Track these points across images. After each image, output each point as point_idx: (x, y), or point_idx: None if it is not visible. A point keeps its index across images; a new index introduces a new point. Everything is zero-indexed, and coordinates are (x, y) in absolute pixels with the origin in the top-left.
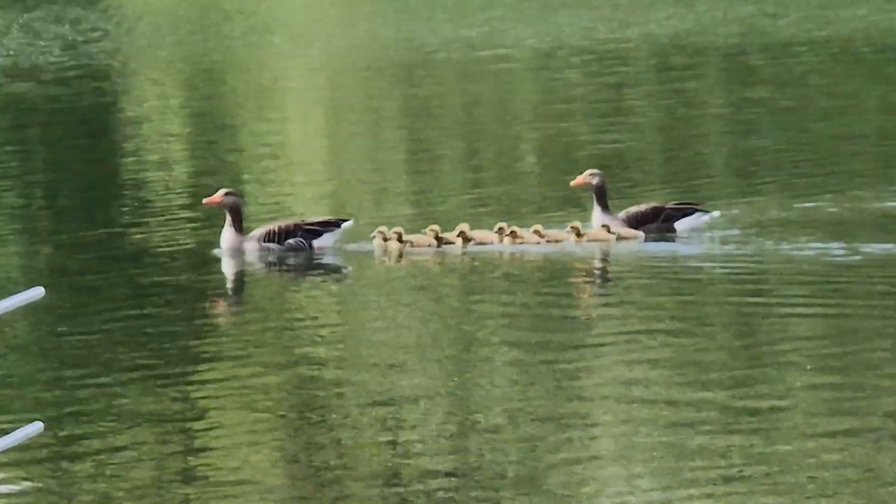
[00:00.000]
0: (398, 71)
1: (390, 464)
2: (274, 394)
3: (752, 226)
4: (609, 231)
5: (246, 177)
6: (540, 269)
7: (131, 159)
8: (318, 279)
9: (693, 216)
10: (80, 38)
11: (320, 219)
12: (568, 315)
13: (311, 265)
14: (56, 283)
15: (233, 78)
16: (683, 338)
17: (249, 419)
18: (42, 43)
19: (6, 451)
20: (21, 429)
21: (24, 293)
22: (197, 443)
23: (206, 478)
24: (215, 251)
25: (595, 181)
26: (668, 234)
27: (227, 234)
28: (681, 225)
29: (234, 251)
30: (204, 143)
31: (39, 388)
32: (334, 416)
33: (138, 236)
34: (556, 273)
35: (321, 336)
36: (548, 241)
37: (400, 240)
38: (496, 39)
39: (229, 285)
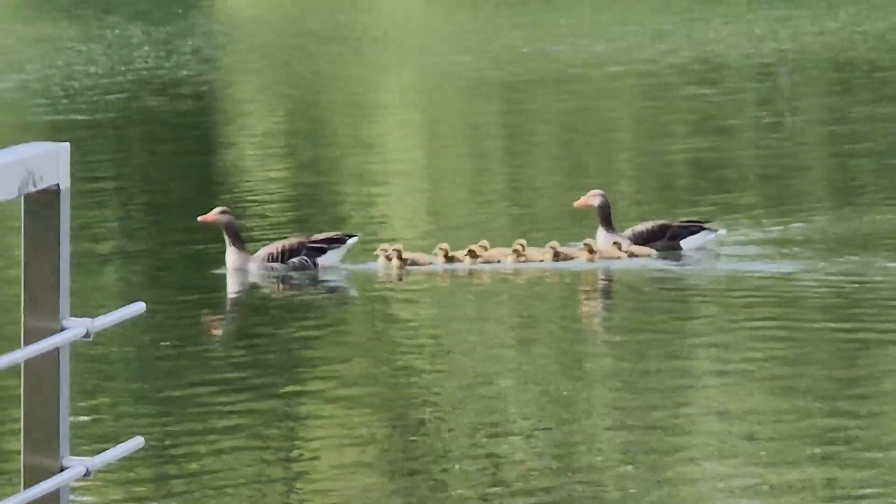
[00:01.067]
0: (526, 85)
1: (487, 475)
2: (371, 406)
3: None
4: (620, 248)
5: (350, 196)
6: (589, 284)
7: (232, 176)
8: (394, 292)
9: (700, 234)
10: (186, 52)
11: (325, 236)
12: (643, 330)
13: (391, 280)
14: (157, 298)
15: (344, 93)
16: (778, 362)
17: (346, 432)
18: (158, 55)
19: (106, 465)
20: (121, 444)
21: (125, 308)
22: (295, 465)
23: (303, 496)
24: (221, 270)
25: (597, 202)
26: (674, 252)
27: (230, 254)
28: (687, 243)
29: (238, 271)
30: (309, 160)
31: (139, 402)
32: (432, 428)
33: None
34: (602, 289)
35: (413, 347)
36: (560, 259)
37: (401, 258)
38: (632, 54)
39: (324, 298)
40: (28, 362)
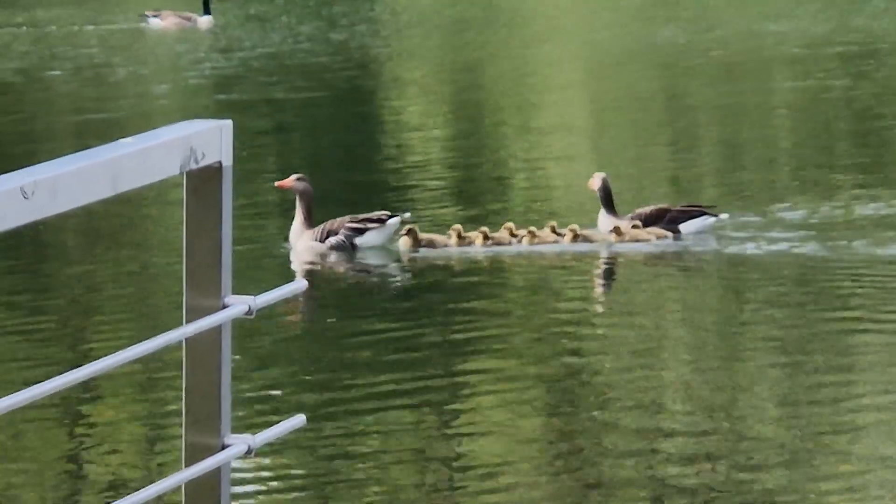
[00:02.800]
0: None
1: (650, 467)
2: (533, 391)
3: None
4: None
5: (506, 179)
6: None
7: (393, 161)
8: (551, 269)
9: (699, 219)
10: (347, 34)
11: (367, 216)
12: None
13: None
14: (319, 276)
15: (499, 77)
16: None
17: (508, 418)
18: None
19: (268, 443)
20: (283, 422)
21: (287, 285)
22: (455, 444)
23: (465, 482)
24: (284, 245)
25: (597, 184)
26: (675, 237)
27: (295, 226)
28: (686, 227)
29: (293, 245)
30: (469, 144)
31: (301, 380)
32: (592, 412)
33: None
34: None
35: (574, 327)
36: (583, 240)
37: (416, 239)
38: (796, 36)
39: (486, 280)
40: (189, 340)
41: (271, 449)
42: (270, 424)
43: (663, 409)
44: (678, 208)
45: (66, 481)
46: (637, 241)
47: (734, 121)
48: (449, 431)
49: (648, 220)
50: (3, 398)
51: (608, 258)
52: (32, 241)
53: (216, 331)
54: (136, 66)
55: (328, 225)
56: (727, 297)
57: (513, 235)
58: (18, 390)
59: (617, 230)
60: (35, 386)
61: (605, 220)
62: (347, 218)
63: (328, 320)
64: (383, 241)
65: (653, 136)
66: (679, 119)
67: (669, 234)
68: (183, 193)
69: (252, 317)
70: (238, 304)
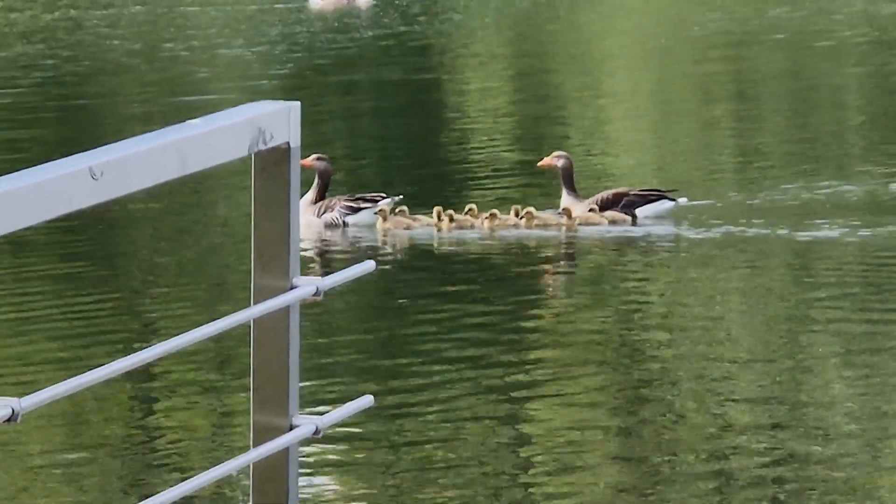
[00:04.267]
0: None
1: (717, 459)
2: (598, 376)
3: None
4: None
5: (570, 148)
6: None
7: (456, 139)
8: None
9: (657, 203)
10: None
11: (362, 195)
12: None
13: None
14: (384, 257)
15: (560, 49)
16: None
17: (574, 403)
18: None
19: (336, 424)
20: (351, 402)
21: (355, 266)
22: (522, 426)
23: (530, 460)
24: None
25: (560, 163)
26: (631, 221)
27: (302, 203)
28: (642, 211)
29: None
30: (531, 116)
31: (369, 361)
32: (661, 396)
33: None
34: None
35: (641, 313)
36: (537, 225)
37: (384, 219)
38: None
39: (550, 257)
40: (258, 321)
41: (339, 431)
42: (338, 405)
43: (729, 396)
44: (636, 192)
45: (135, 462)
46: (589, 224)
47: (856, 99)
48: (517, 417)
49: (606, 204)
50: (72, 379)
51: (670, 244)
52: (101, 221)
53: (284, 312)
54: (256, 45)
55: (329, 202)
56: (784, 281)
57: (474, 218)
58: (86, 371)
59: (567, 213)
60: (103, 367)
61: (567, 201)
62: (346, 196)
63: (399, 301)
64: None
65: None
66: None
67: (628, 218)
68: (251, 175)
69: (320, 298)
70: (306, 286)
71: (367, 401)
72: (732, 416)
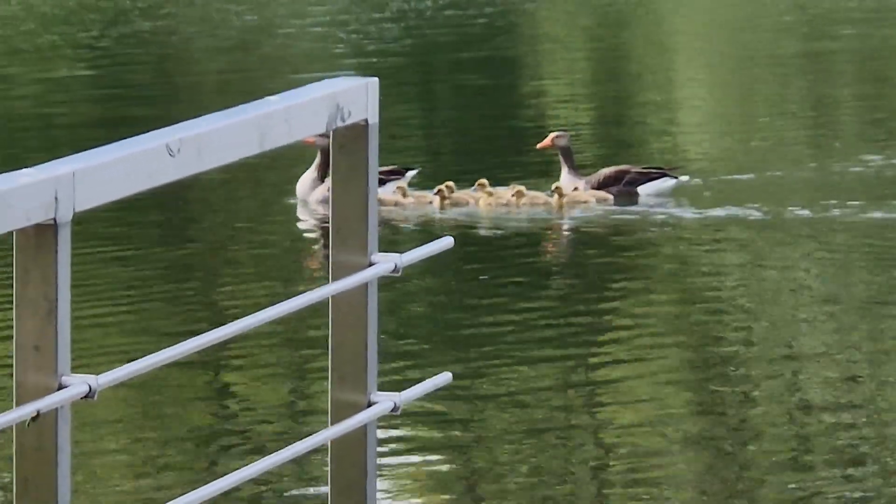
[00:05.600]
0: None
1: (796, 444)
2: (675, 360)
3: None
4: (581, 191)
5: (643, 128)
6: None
7: (531, 122)
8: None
9: (659, 181)
10: None
11: (388, 168)
12: None
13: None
14: (464, 233)
15: (636, 29)
16: None
17: (653, 385)
18: None
19: (414, 401)
20: (429, 379)
21: (434, 243)
22: (599, 411)
23: (608, 446)
24: (292, 200)
25: (561, 142)
26: (632, 199)
27: (305, 179)
28: (644, 189)
29: (300, 201)
30: (610, 95)
31: (447, 337)
32: (738, 376)
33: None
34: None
35: (718, 293)
36: (524, 204)
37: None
38: None
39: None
40: (336, 297)
41: (417, 407)
42: (416, 382)
43: (807, 379)
44: (638, 170)
45: (212, 441)
46: (575, 203)
47: None
48: (594, 398)
49: (608, 182)
50: (148, 357)
51: (740, 222)
52: (177, 198)
53: (362, 288)
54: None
55: None
56: (864, 261)
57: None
58: (162, 349)
59: (559, 191)
60: (179, 345)
61: (567, 180)
62: None
63: (480, 277)
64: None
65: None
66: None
67: (610, 196)
68: (330, 151)
69: (398, 274)
70: (384, 262)
71: (445, 378)
72: (810, 399)
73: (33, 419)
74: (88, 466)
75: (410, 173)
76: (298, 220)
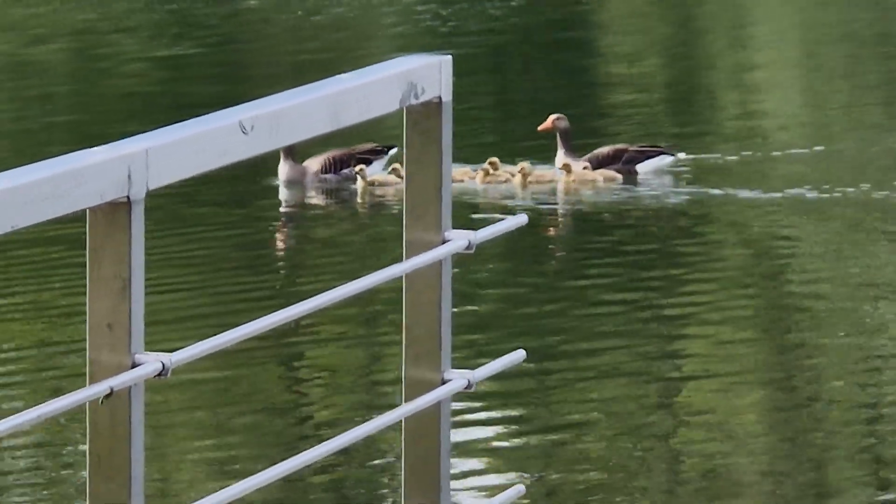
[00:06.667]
0: None
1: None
2: (756, 339)
3: None
4: (592, 171)
5: (713, 110)
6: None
7: (604, 94)
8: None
9: (656, 158)
10: None
11: (369, 146)
12: None
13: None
14: (537, 210)
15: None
16: None
17: (729, 366)
18: None
19: (488, 378)
20: (503, 357)
21: (507, 220)
22: (675, 390)
23: (682, 427)
24: (273, 182)
25: (561, 124)
26: (631, 177)
27: (284, 167)
28: (643, 167)
29: (291, 183)
30: (679, 75)
31: (521, 315)
32: (816, 360)
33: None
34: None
35: (794, 265)
36: (530, 182)
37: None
38: None
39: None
40: (410, 275)
41: (491, 385)
42: (489, 360)
43: (885, 369)
44: (635, 148)
45: (285, 419)
46: (584, 181)
47: None
48: (669, 376)
49: (605, 161)
50: (221, 335)
51: (807, 199)
52: (249, 173)
53: (436, 266)
54: None
55: (332, 157)
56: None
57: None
58: (235, 327)
59: (567, 168)
60: (252, 322)
61: (563, 160)
62: (348, 149)
63: (558, 254)
64: (382, 170)
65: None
66: None
67: (619, 176)
68: (403, 129)
69: (472, 252)
70: (458, 239)
71: (519, 356)
72: (890, 386)
73: (107, 397)
74: (162, 444)
75: (392, 151)
76: (369, 197)
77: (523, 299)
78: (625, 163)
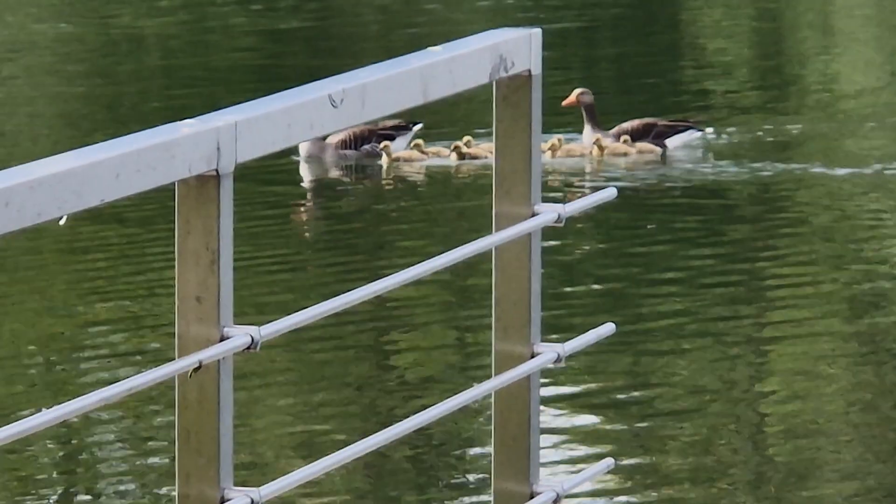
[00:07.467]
0: None
1: None
2: (842, 328)
3: None
4: (629, 144)
5: (799, 102)
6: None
7: (692, 83)
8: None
9: (685, 133)
10: None
11: (392, 123)
12: None
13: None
14: (627, 187)
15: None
16: None
17: (818, 345)
18: None
19: (578, 352)
20: (592, 330)
21: (597, 193)
22: (768, 362)
23: (772, 411)
24: (293, 157)
25: (586, 98)
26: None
27: (304, 143)
28: (672, 142)
29: (312, 158)
30: (768, 67)
31: (611, 288)
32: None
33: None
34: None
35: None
36: (559, 156)
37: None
38: None
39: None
40: (499, 248)
41: (580, 359)
42: (579, 333)
43: None
44: (665, 122)
45: (374, 392)
46: (617, 154)
47: None
48: (759, 353)
49: (635, 135)
50: (309, 309)
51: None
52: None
53: (526, 239)
54: None
55: (353, 133)
56: None
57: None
58: (323, 301)
59: (598, 143)
60: (340, 296)
61: (589, 135)
62: (371, 126)
63: (648, 226)
64: (406, 146)
65: None
66: None
67: (658, 149)
68: (493, 101)
69: (562, 225)
70: (548, 212)
71: (608, 329)
72: None
73: (195, 370)
74: (251, 417)
75: (416, 127)
76: (457, 172)
77: (613, 272)
78: (654, 137)
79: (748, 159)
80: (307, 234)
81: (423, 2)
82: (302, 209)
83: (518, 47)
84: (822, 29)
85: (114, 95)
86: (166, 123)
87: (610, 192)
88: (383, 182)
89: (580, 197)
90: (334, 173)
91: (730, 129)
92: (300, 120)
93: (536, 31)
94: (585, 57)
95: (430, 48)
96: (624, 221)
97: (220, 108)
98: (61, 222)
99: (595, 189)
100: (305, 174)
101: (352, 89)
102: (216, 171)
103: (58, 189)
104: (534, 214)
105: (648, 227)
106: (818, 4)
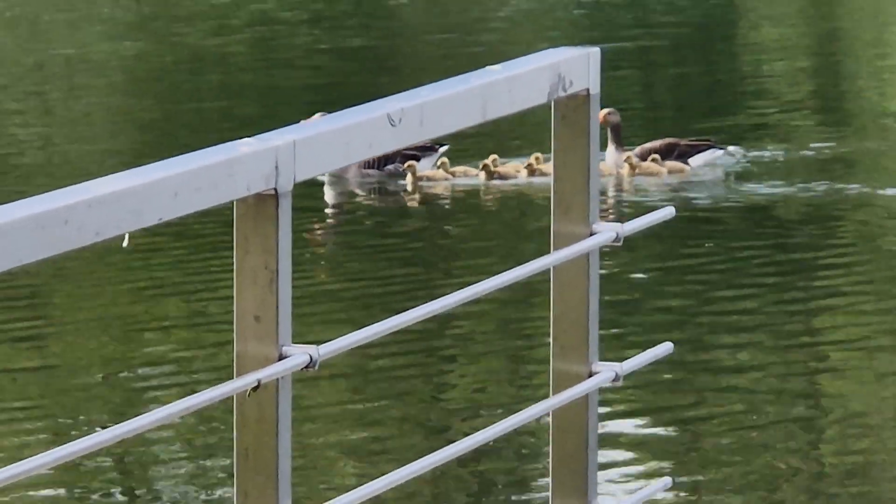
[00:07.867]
0: None
1: None
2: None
3: None
4: (659, 164)
5: (861, 122)
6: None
7: (748, 82)
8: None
9: (707, 152)
10: None
11: (419, 143)
12: None
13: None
14: (683, 203)
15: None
16: None
17: (871, 356)
18: None
19: (635, 371)
20: (651, 349)
21: (655, 213)
22: (825, 379)
23: (835, 415)
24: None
25: (613, 119)
26: (682, 171)
27: None
28: (695, 161)
29: (334, 178)
30: (824, 83)
31: (670, 307)
32: None
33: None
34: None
35: None
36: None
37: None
38: None
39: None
40: (557, 267)
41: (637, 379)
42: (637, 353)
43: None
44: (686, 142)
45: (432, 410)
46: (649, 174)
47: None
48: (816, 370)
49: (659, 154)
50: (368, 328)
51: None
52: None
53: (584, 258)
54: None
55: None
56: None
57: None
58: (382, 320)
59: (630, 161)
60: (400, 315)
61: (613, 155)
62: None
63: (706, 244)
64: (433, 167)
65: None
66: None
67: (687, 167)
68: (551, 121)
69: (620, 244)
70: (606, 232)
71: (666, 348)
72: None
73: (254, 389)
74: (309, 436)
75: (443, 149)
76: (522, 193)
77: (671, 291)
78: (677, 157)
79: (799, 179)
80: (355, 254)
81: (491, 20)
82: (331, 229)
83: (577, 66)
84: (875, 44)
85: (175, 113)
86: (227, 142)
87: (668, 212)
88: (407, 199)
89: (610, 216)
90: (358, 193)
91: (779, 148)
92: (358, 139)
93: (595, 51)
94: (639, 77)
95: (489, 67)
96: (677, 240)
97: (282, 127)
98: (124, 244)
99: (622, 207)
100: (328, 193)
101: (410, 108)
102: (275, 189)
103: (116, 208)
104: (592, 234)
105: (706, 245)
106: (878, 26)
